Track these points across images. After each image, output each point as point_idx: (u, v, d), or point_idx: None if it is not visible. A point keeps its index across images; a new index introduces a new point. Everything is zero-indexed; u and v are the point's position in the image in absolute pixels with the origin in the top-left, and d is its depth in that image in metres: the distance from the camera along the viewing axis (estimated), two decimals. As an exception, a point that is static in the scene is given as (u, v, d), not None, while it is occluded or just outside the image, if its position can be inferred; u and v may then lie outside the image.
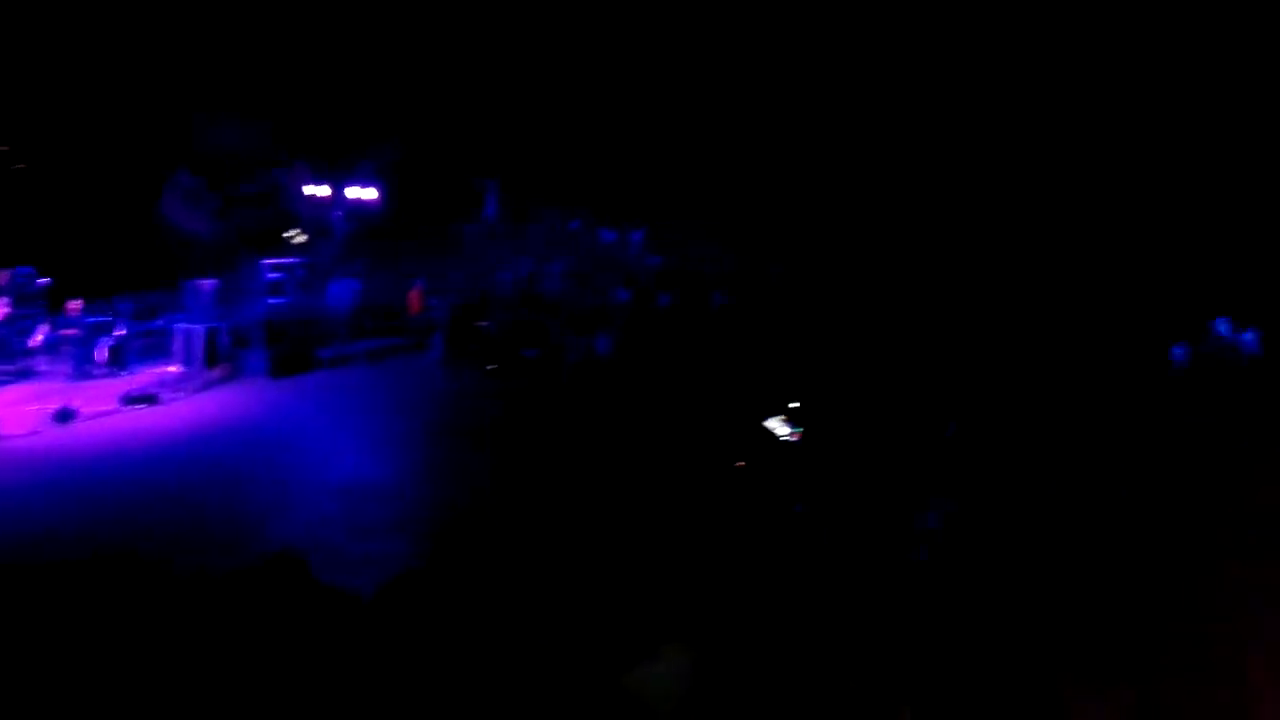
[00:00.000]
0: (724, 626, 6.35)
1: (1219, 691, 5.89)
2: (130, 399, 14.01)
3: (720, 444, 11.15)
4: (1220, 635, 6.42)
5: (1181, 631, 6.59)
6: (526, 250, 20.46)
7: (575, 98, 20.61)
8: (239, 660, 5.61)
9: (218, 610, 6.21)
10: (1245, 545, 7.53)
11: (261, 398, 15.11)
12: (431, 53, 20.05)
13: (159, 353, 16.66)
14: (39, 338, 15.57)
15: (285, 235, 20.84)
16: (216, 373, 16.13)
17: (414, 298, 20.09)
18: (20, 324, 15.56)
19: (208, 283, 16.70)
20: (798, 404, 11.10)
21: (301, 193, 20.59)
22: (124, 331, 16.15)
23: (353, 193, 20.67)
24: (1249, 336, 12.39)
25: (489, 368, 17.11)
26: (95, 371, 15.73)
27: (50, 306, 16.20)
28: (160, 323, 17.34)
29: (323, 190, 20.64)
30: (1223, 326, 12.27)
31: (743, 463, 10.51)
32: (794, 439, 10.75)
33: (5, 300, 15.56)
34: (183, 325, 16.51)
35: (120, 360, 15.91)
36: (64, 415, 13.03)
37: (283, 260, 17.42)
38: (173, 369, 16.06)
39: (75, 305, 16.15)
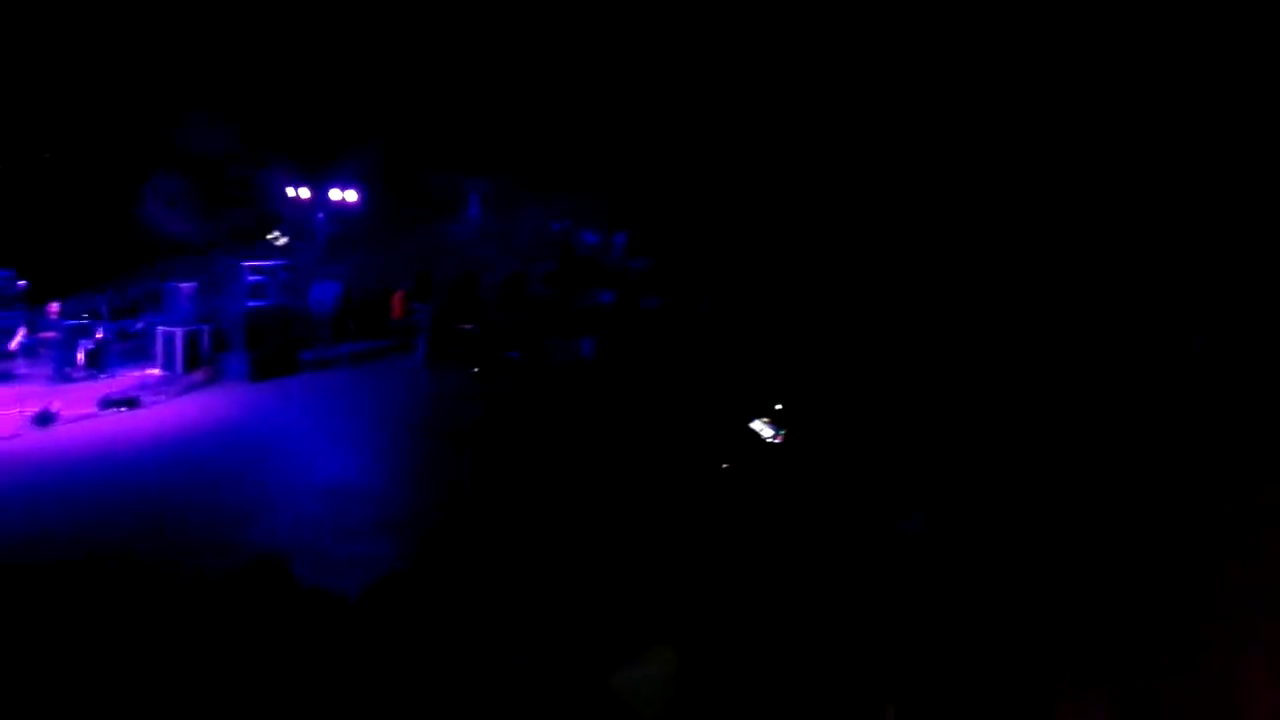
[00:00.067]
0: (709, 628, 6.36)
1: (1217, 692, 5.92)
2: (110, 402, 13.91)
3: (705, 446, 11.17)
4: (1219, 636, 6.45)
5: (1180, 632, 6.63)
6: (510, 252, 20.44)
7: (559, 100, 20.61)
8: (224, 663, 5.59)
9: (202, 613, 6.17)
10: (1245, 545, 7.56)
11: (243, 400, 15.02)
12: (414, 55, 20.01)
13: (139, 355, 16.58)
14: (18, 340, 15.43)
15: (267, 237, 20.77)
16: (197, 376, 16.04)
17: (397, 300, 20.05)
18: (-2, 326, 15.47)
19: (188, 285, 16.60)
20: (782, 406, 11.13)
21: (283, 194, 20.51)
22: (104, 334, 16.04)
23: (335, 194, 20.60)
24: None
25: (473, 370, 17.08)
26: (75, 374, 15.62)
27: (30, 309, 16.08)
28: (140, 325, 17.24)
29: (304, 192, 20.56)
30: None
31: (727, 464, 10.53)
32: (778, 441, 10.78)
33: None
34: (163, 328, 16.41)
35: (100, 363, 15.80)
36: (44, 418, 12.93)
37: (264, 262, 17.33)
38: (153, 372, 15.97)
39: (55, 308, 16.05)
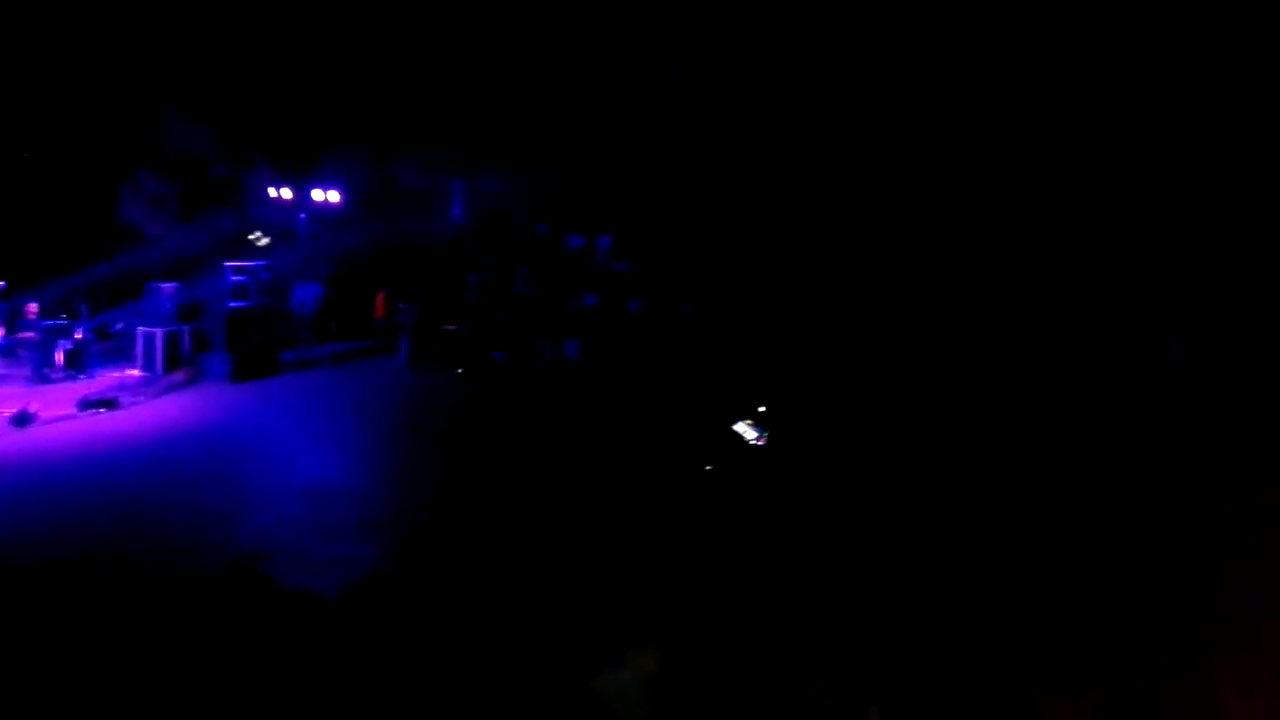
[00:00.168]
0: (692, 630, 6.35)
1: (1217, 692, 5.94)
2: (89, 403, 13.79)
3: (688, 447, 11.17)
4: (1219, 636, 6.47)
5: (1179, 632, 6.65)
6: (494, 253, 20.39)
7: (544, 101, 20.58)
8: (204, 664, 5.54)
9: (182, 614, 6.13)
10: (1245, 545, 7.59)
11: (223, 401, 14.94)
12: (398, 55, 19.94)
13: (119, 356, 16.47)
14: (-5, 341, 15.34)
15: (249, 237, 20.65)
16: (178, 376, 15.96)
17: (379, 300, 19.98)
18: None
19: (168, 285, 16.50)
20: (765, 408, 11.14)
21: (265, 194, 20.40)
22: (83, 334, 15.92)
23: (317, 195, 20.49)
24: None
25: (457, 370, 17.04)
26: (54, 375, 15.51)
27: (8, 309, 15.94)
28: (120, 325, 17.12)
29: (286, 192, 20.46)
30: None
31: (711, 466, 10.53)
32: (761, 443, 10.79)
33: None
34: (143, 328, 16.31)
35: (79, 363, 15.69)
36: (22, 419, 12.81)
37: (246, 262, 17.24)
38: (133, 373, 15.86)
39: (33, 308, 15.92)
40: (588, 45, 19.72)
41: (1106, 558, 7.75)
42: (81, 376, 15.38)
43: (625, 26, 19.51)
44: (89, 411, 13.66)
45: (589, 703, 5.42)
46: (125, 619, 6.74)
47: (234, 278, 16.59)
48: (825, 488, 9.51)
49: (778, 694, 5.67)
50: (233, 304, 16.34)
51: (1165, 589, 7.23)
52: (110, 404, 13.97)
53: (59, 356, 15.65)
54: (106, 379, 15.27)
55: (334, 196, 20.53)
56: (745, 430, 11.00)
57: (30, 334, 15.67)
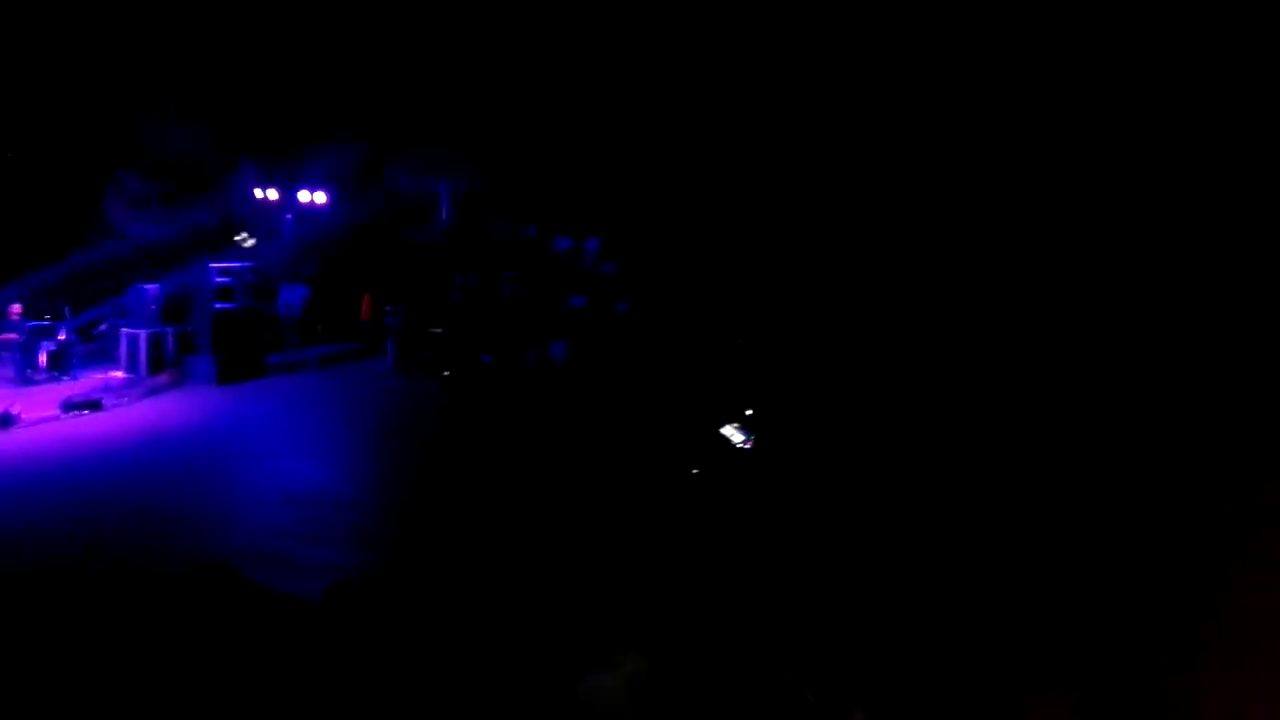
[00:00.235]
0: (679, 633, 6.34)
1: (1217, 692, 5.96)
2: (72, 405, 13.71)
3: (676, 450, 11.17)
4: (1219, 635, 6.49)
5: (1179, 632, 6.67)
6: (481, 255, 20.36)
7: (531, 103, 20.56)
8: (185, 667, 5.51)
9: (163, 617, 6.08)
10: (1244, 546, 7.61)
11: (208, 404, 14.87)
12: (385, 56, 19.90)
13: (103, 357, 16.39)
14: (-23, 342, 15.23)
15: (234, 238, 20.56)
16: (162, 378, 15.88)
17: (366, 303, 19.92)
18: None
19: (153, 286, 16.41)
20: (752, 411, 11.15)
21: (251, 195, 20.33)
22: (66, 336, 15.83)
23: (304, 196, 20.43)
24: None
25: (444, 373, 17.00)
26: (37, 376, 15.42)
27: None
28: (104, 327, 17.03)
29: (273, 193, 20.38)
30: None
31: (698, 469, 10.53)
32: (748, 446, 10.80)
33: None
34: (127, 329, 16.22)
35: (63, 365, 15.60)
36: (4, 421, 12.73)
37: (231, 264, 17.17)
38: (117, 374, 15.78)
39: (16, 309, 15.81)
40: (577, 45, 19.71)
41: (1100, 557, 7.78)
42: (65, 378, 15.30)
43: (616, 26, 19.51)
44: (72, 414, 13.57)
45: (574, 705, 5.41)
46: (104, 623, 6.70)
47: (219, 279, 16.51)
48: (812, 490, 9.52)
49: (763, 695, 5.67)
50: (218, 305, 16.27)
51: (1163, 589, 7.26)
52: (94, 406, 13.88)
53: (42, 358, 15.56)
54: (90, 381, 15.18)
55: (320, 198, 20.47)
56: (732, 433, 11.02)
57: (13, 335, 15.56)
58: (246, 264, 17.61)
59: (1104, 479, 9.24)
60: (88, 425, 13.25)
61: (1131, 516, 8.49)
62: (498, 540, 9.02)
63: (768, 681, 5.75)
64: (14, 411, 12.95)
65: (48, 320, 15.93)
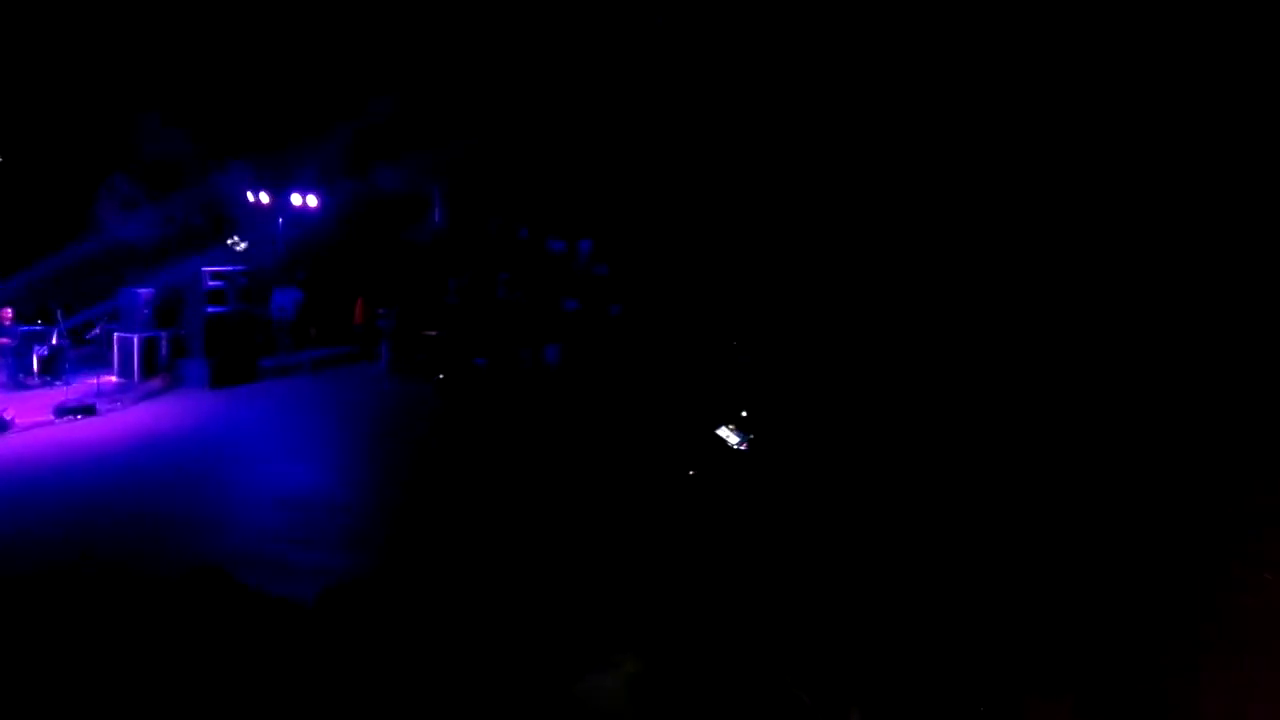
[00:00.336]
0: (674, 634, 6.34)
1: (1217, 692, 5.97)
2: (65, 409, 13.67)
3: (671, 452, 11.17)
4: (1219, 636, 6.50)
5: (1179, 632, 6.68)
6: (475, 258, 20.35)
7: (523, 104, 20.55)
8: (178, 671, 5.49)
9: (156, 621, 6.07)
10: (1244, 547, 7.63)
11: (201, 408, 14.83)
12: (376, 58, 19.88)
13: (96, 362, 16.34)
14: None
15: (227, 242, 20.51)
16: (155, 383, 15.85)
17: (359, 306, 19.89)
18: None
19: (145, 290, 16.38)
20: (748, 413, 11.16)
21: (243, 199, 20.28)
22: (59, 340, 15.78)
23: (296, 199, 20.39)
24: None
25: (438, 376, 16.98)
26: (29, 381, 15.38)
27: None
28: (97, 331, 16.98)
29: (265, 197, 20.35)
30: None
31: (693, 470, 10.53)
32: (744, 447, 10.80)
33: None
34: (120, 334, 16.19)
35: (55, 370, 15.56)
36: (-4, 426, 12.70)
37: (223, 267, 17.14)
38: (110, 379, 15.74)
39: (8, 314, 15.77)
40: (569, 46, 19.71)
41: (1098, 557, 7.79)
42: (58, 383, 15.25)
43: (610, 27, 19.52)
44: (66, 418, 13.53)
45: (572, 706, 5.41)
46: (98, 627, 6.68)
47: (212, 283, 16.49)
48: (808, 491, 9.53)
49: (759, 696, 5.67)
50: (211, 309, 16.24)
51: (1162, 589, 7.27)
52: (87, 410, 13.84)
53: (35, 363, 15.52)
54: (83, 385, 15.14)
55: (312, 201, 20.43)
56: (728, 435, 11.02)
57: (5, 340, 15.52)
58: (239, 267, 17.58)
59: (1104, 479, 9.26)
60: (81, 430, 13.21)
61: (1132, 516, 8.50)
62: (493, 542, 9.01)
63: (764, 682, 5.75)
64: (7, 416, 12.91)
65: (40, 325, 15.88)
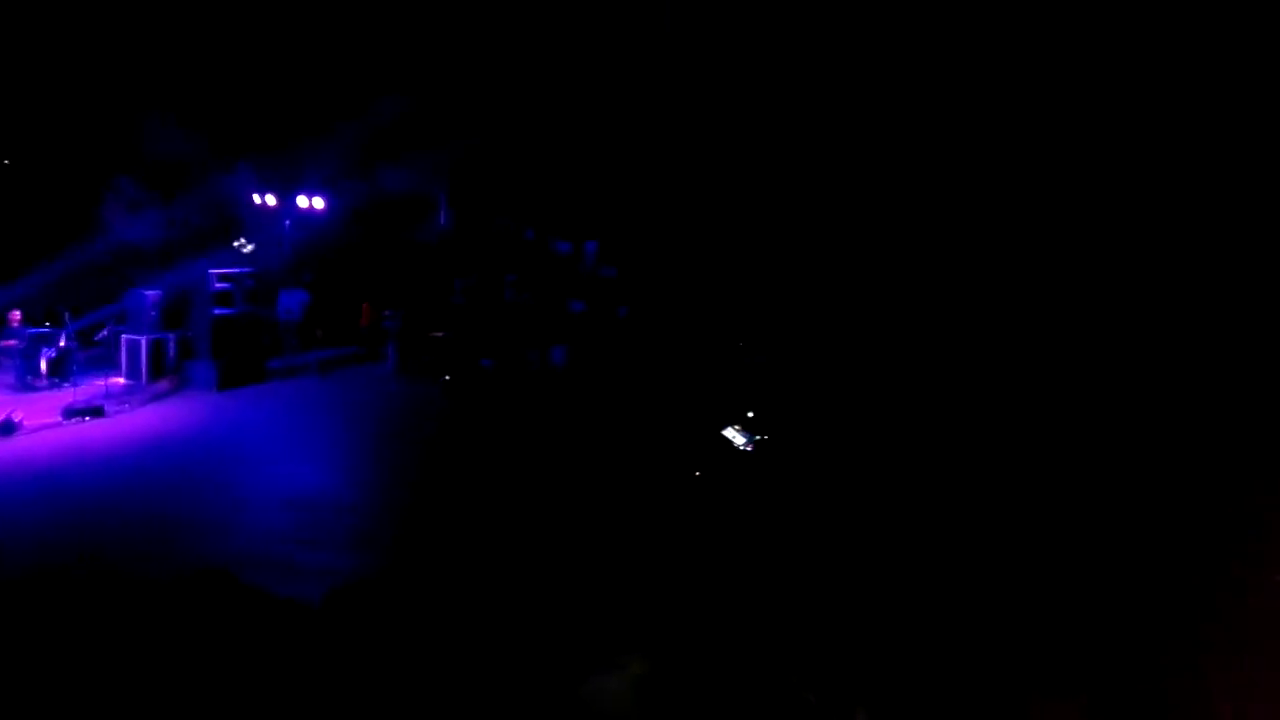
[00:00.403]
0: (681, 635, 6.34)
1: (1214, 693, 5.96)
2: (74, 411, 13.71)
3: (678, 453, 11.17)
4: (1219, 636, 6.49)
5: (1176, 633, 6.67)
6: (481, 259, 20.37)
7: (530, 106, 20.57)
8: (184, 673, 5.50)
9: (161, 623, 6.08)
10: (1245, 547, 7.62)
11: (209, 410, 14.87)
12: (381, 60, 19.91)
13: (104, 364, 16.38)
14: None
15: (233, 244, 20.57)
16: (163, 385, 15.89)
17: (366, 307, 19.93)
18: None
19: (153, 292, 16.42)
20: (754, 414, 11.15)
21: (250, 201, 20.33)
22: (67, 342, 15.83)
23: (302, 201, 20.44)
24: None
25: (444, 378, 17.00)
26: (38, 383, 15.42)
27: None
28: (105, 333, 17.04)
29: (271, 199, 20.40)
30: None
31: (699, 471, 10.53)
32: (750, 448, 10.80)
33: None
34: (128, 336, 16.24)
35: (63, 372, 15.59)
36: (6, 428, 12.72)
37: (231, 269, 17.19)
38: (118, 381, 15.78)
39: (16, 315, 15.83)
40: (575, 49, 19.72)
41: (1101, 558, 7.78)
42: (66, 385, 15.29)
43: (614, 27, 19.52)
44: (74, 420, 13.57)
45: (577, 707, 5.41)
46: (104, 628, 6.70)
47: (219, 284, 16.53)
48: (815, 491, 9.52)
49: (766, 697, 5.67)
50: (218, 311, 16.28)
51: (1163, 589, 7.26)
52: (95, 412, 13.88)
53: (43, 364, 15.57)
54: (91, 387, 15.18)
55: (319, 202, 20.47)
56: (734, 435, 11.02)
57: (13, 342, 15.58)
58: (246, 269, 17.63)
59: (1107, 480, 9.24)
60: (89, 432, 13.26)
61: (1135, 517, 8.49)
62: (499, 543, 9.02)
63: (771, 683, 5.75)
64: (16, 418, 12.96)
65: (48, 327, 15.94)
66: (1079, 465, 9.71)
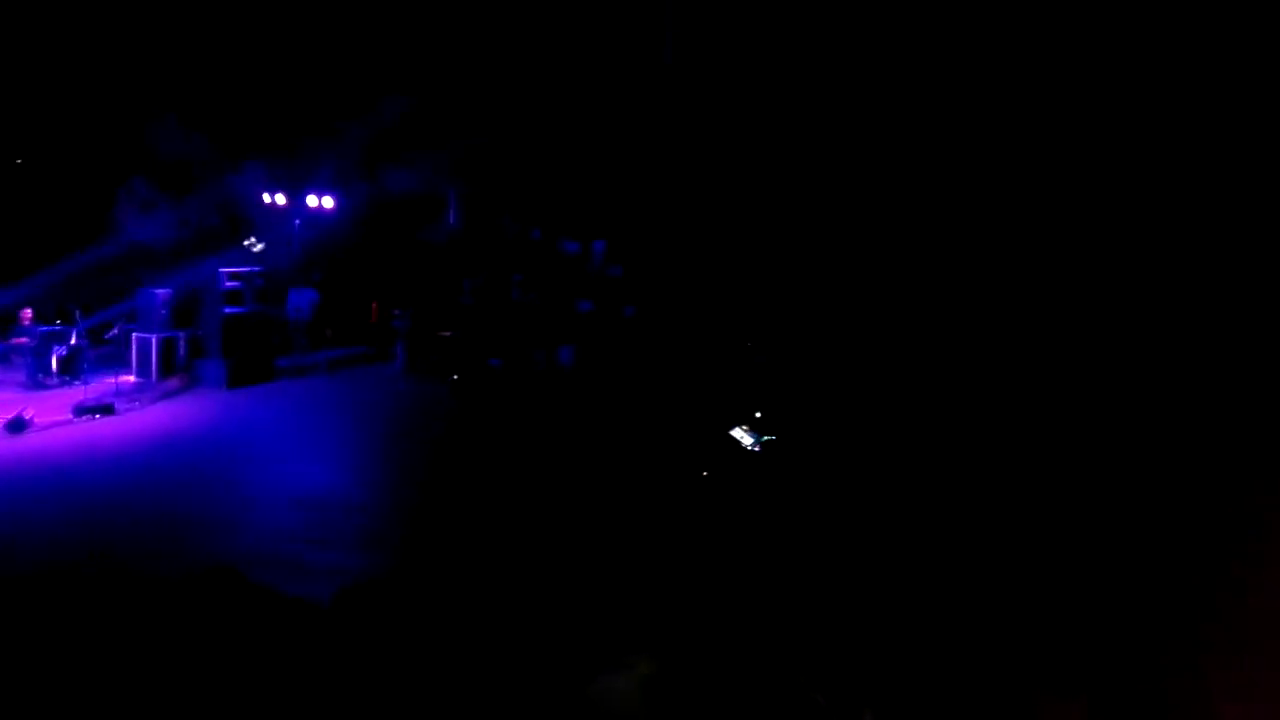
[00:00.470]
0: (688, 636, 6.35)
1: (1214, 694, 5.95)
2: (84, 409, 13.78)
3: (685, 453, 11.18)
4: (1219, 637, 6.48)
5: (1179, 633, 6.66)
6: (489, 259, 20.41)
7: (537, 107, 20.60)
8: (191, 670, 5.53)
9: (169, 620, 6.11)
10: (1245, 548, 7.61)
11: (219, 408, 14.93)
12: (390, 60, 19.95)
13: (114, 362, 16.45)
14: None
15: (243, 243, 20.64)
16: (173, 383, 15.95)
17: (375, 307, 19.99)
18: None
19: (163, 291, 16.50)
20: (762, 414, 11.15)
21: (259, 200, 20.40)
22: (78, 340, 15.91)
23: (312, 201, 20.50)
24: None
25: (453, 377, 17.04)
26: (49, 381, 15.50)
27: (1, 315, 15.93)
28: (115, 331, 17.12)
29: (281, 198, 20.46)
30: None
31: (707, 471, 10.53)
32: (758, 449, 10.80)
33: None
34: (138, 334, 16.31)
35: (74, 369, 15.67)
36: (16, 425, 12.79)
37: (240, 269, 17.25)
38: (128, 379, 15.85)
39: (27, 313, 15.90)
40: (582, 48, 19.74)
41: (1105, 558, 7.77)
42: (76, 382, 15.36)
43: (618, 27, 19.53)
44: (84, 417, 13.64)
45: (585, 707, 5.42)
46: (114, 626, 6.73)
47: (229, 283, 16.59)
48: (822, 491, 9.52)
49: (773, 697, 5.67)
50: (228, 310, 16.34)
51: (1164, 590, 7.25)
52: (106, 410, 13.95)
53: (54, 362, 15.64)
54: (102, 385, 15.25)
55: (328, 202, 20.53)
56: (742, 436, 11.02)
57: (25, 339, 15.66)
58: (255, 268, 17.69)
59: (1110, 481, 9.23)
60: (100, 429, 13.32)
61: (1137, 518, 8.48)
62: (508, 543, 9.04)
63: (778, 683, 5.76)
64: (26, 415, 13.02)
65: (59, 325, 16.01)
66: (1081, 466, 9.70)
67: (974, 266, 14.88)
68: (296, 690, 5.40)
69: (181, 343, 16.44)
